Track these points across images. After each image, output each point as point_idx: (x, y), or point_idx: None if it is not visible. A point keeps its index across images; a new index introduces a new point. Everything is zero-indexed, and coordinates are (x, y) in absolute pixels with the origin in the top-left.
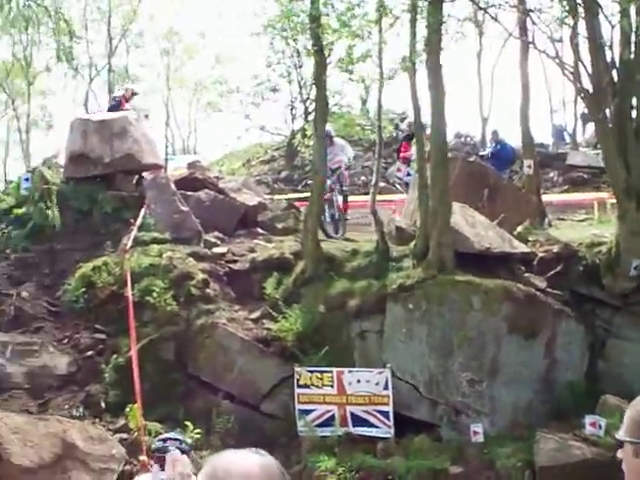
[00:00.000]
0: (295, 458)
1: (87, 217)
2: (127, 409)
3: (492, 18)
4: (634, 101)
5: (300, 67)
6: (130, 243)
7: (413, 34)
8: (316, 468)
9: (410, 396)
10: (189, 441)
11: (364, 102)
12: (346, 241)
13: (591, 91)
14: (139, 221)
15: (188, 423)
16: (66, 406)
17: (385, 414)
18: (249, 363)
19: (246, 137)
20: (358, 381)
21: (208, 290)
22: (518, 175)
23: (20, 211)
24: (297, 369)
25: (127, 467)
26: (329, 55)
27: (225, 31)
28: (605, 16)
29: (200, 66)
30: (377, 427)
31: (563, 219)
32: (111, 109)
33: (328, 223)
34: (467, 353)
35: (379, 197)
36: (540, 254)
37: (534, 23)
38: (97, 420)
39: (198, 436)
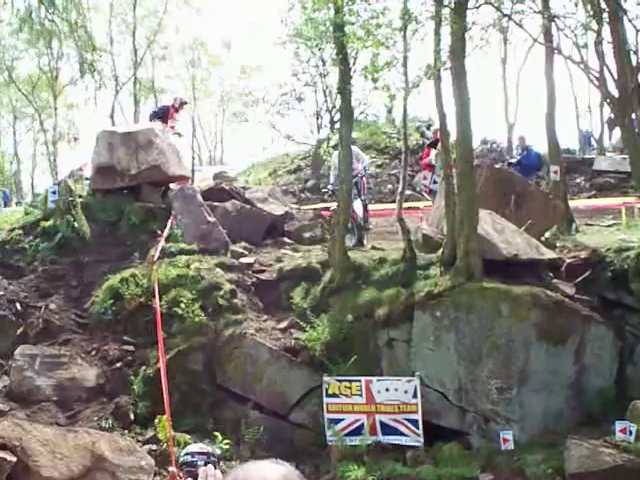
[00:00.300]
0: (324, 468)
1: (114, 229)
2: (156, 420)
3: (517, 24)
4: None
5: (325, 75)
6: (157, 254)
7: (437, 41)
8: (345, 477)
9: (439, 404)
10: (218, 452)
11: (389, 110)
12: (373, 250)
13: (617, 96)
14: (166, 232)
15: (217, 434)
16: (95, 418)
17: (414, 422)
18: (278, 373)
19: (272, 147)
20: (387, 390)
21: (236, 300)
22: (545, 181)
23: (47, 224)
24: (326, 378)
25: (156, 478)
26: (354, 64)
27: (250, 41)
28: (630, 20)
29: (226, 77)
30: (406, 435)
31: (590, 224)
32: (153, 116)
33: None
34: (496, 360)
35: (406, 205)
36: (568, 260)
37: (559, 29)
38: (126, 431)
39: (227, 447)
